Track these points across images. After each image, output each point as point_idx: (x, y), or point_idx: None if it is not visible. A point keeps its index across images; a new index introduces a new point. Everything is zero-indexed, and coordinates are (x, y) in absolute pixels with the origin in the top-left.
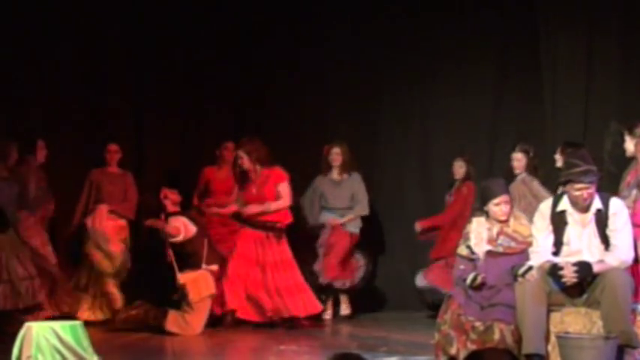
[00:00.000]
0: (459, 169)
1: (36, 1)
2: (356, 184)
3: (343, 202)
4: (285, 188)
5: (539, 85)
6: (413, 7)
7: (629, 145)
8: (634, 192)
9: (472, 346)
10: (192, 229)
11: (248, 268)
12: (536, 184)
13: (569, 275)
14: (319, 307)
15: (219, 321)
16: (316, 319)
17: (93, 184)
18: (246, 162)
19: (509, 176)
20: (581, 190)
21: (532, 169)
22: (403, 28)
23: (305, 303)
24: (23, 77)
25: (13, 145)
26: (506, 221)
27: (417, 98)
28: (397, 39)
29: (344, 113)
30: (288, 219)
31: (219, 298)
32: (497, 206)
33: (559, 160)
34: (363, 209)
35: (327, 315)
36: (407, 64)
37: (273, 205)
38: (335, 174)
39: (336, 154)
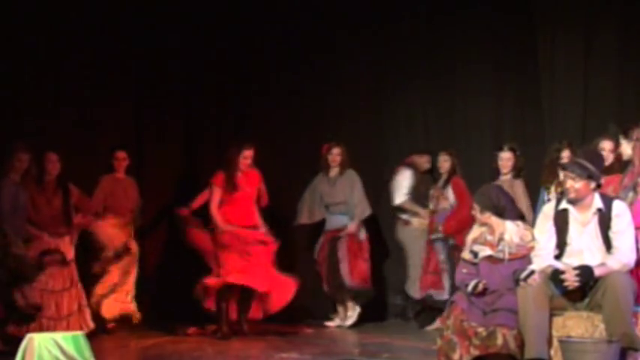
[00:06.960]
0: (444, 163)
1: (38, 10)
2: (352, 181)
3: (339, 197)
4: None
5: (537, 87)
6: (413, 7)
7: (626, 148)
8: (630, 194)
9: (475, 352)
10: None
11: None
12: (519, 188)
13: (571, 279)
14: None
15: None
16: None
17: (104, 191)
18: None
19: (495, 176)
20: (566, 178)
21: (518, 170)
22: (403, 29)
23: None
24: (22, 84)
25: (23, 150)
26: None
27: (417, 100)
28: (397, 41)
29: (344, 114)
30: None
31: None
32: None
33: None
34: (364, 211)
35: (334, 322)
36: (405, 67)
37: None
38: (333, 173)
39: (336, 154)
